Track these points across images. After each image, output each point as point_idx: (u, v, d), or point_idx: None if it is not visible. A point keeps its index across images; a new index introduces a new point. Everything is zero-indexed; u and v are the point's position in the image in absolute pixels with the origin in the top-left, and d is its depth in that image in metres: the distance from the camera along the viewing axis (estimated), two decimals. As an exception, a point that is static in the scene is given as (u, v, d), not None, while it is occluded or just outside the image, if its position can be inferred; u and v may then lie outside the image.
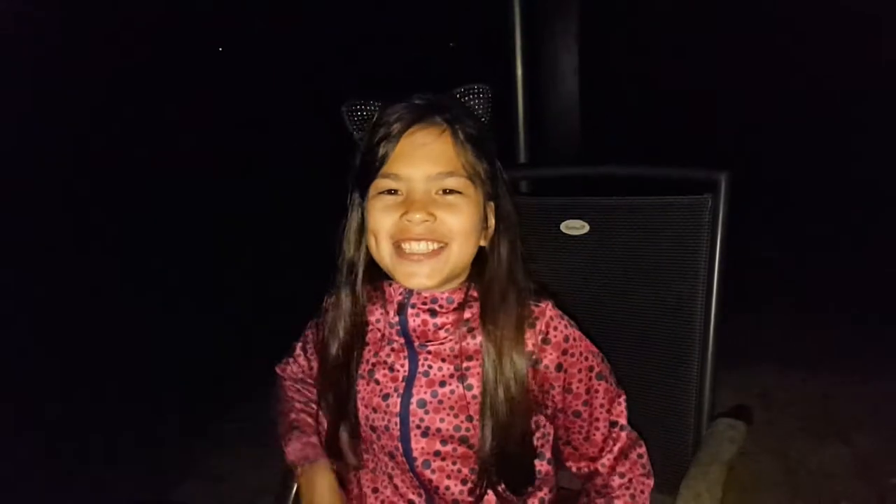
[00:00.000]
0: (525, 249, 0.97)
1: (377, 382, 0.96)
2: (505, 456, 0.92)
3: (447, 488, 0.95)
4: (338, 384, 0.98)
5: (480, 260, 0.95)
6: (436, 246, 0.89)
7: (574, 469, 1.01)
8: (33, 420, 2.84)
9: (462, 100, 0.93)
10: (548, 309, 0.95)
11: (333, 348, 0.98)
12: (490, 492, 0.96)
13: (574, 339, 0.95)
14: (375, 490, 1.01)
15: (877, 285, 3.57)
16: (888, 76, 5.37)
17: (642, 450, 0.99)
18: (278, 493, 1.14)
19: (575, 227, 1.30)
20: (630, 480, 0.97)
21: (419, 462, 0.95)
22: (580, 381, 0.95)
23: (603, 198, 1.29)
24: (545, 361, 0.93)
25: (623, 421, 0.99)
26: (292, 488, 1.10)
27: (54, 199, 5.08)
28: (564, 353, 0.93)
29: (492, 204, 0.95)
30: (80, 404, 2.99)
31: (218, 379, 3.26)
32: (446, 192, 0.89)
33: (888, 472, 2.22)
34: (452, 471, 0.94)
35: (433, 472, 0.95)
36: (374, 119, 0.91)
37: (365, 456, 1.01)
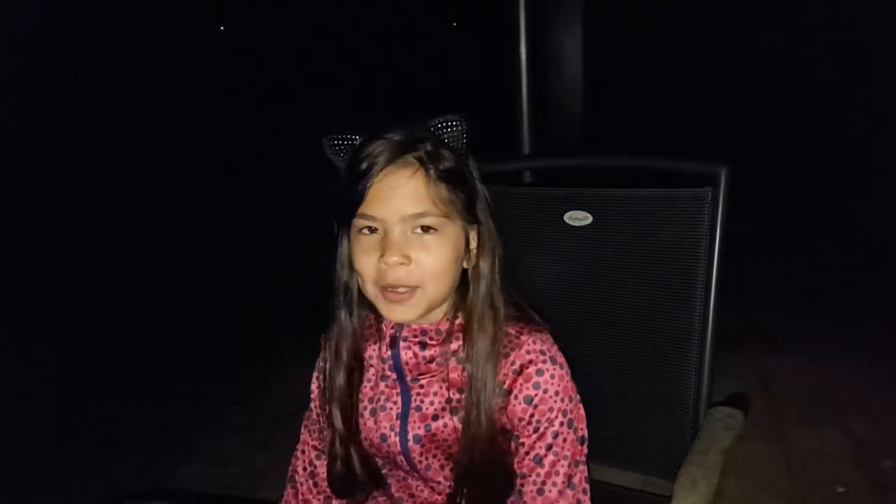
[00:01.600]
0: (505, 266, 0.97)
1: (376, 422, 0.99)
2: (478, 475, 0.93)
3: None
4: (345, 413, 0.99)
5: (466, 281, 0.97)
6: (410, 289, 0.91)
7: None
8: (38, 405, 2.87)
9: (438, 132, 0.93)
10: (528, 342, 0.94)
11: (339, 375, 1.00)
12: None
13: (550, 375, 0.92)
14: (412, 495, 1.03)
15: (877, 274, 3.60)
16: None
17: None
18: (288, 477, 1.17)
19: (578, 217, 1.32)
20: None
21: (443, 486, 0.98)
22: (549, 421, 0.92)
23: (606, 189, 1.31)
24: (515, 391, 0.92)
25: (584, 485, 0.93)
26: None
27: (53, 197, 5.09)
28: (535, 386, 0.92)
29: (474, 226, 0.96)
30: (86, 389, 3.03)
31: (224, 363, 3.30)
32: (424, 229, 0.91)
33: (883, 457, 2.26)
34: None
35: (450, 489, 0.98)
36: (353, 153, 0.93)
37: (385, 472, 1.04)
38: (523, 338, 0.94)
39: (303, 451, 1.09)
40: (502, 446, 0.94)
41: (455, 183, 0.92)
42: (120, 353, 3.38)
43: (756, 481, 2.21)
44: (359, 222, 0.92)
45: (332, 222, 0.98)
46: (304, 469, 1.08)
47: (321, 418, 1.05)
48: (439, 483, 0.98)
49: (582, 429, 0.94)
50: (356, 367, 1.00)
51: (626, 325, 1.27)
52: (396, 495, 1.04)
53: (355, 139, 0.94)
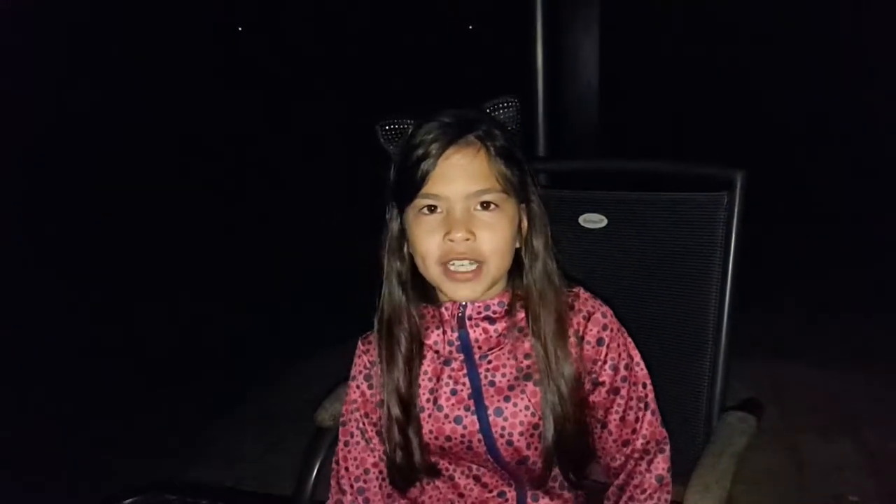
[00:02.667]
0: (553, 241, 1.02)
1: (440, 409, 0.99)
2: (566, 443, 0.97)
3: (539, 475, 1.00)
4: (403, 400, 1.00)
5: (518, 259, 1.01)
6: (476, 266, 0.94)
7: (607, 460, 1.02)
8: (49, 400, 2.90)
9: (494, 113, 0.98)
10: (581, 292, 1.01)
11: (398, 361, 1.00)
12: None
13: (610, 316, 1.00)
14: (461, 495, 1.04)
15: (890, 277, 3.56)
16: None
17: (669, 445, 1.02)
18: (298, 477, 1.18)
19: (593, 220, 1.33)
20: (662, 485, 0.98)
21: (513, 463, 0.99)
22: (619, 356, 0.99)
23: (622, 192, 1.31)
24: (587, 337, 0.98)
25: (653, 405, 1.02)
26: (313, 470, 1.13)
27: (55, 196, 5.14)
28: (604, 328, 0.99)
29: (524, 206, 1.00)
30: (97, 386, 3.05)
31: (237, 362, 3.31)
32: (485, 206, 0.94)
33: (896, 467, 2.24)
34: (543, 460, 0.99)
35: (527, 466, 0.99)
36: (409, 137, 0.95)
37: (442, 468, 1.04)
38: (576, 289, 1.01)
39: (346, 469, 1.05)
40: (583, 406, 0.98)
41: (511, 160, 0.96)
42: (133, 350, 3.41)
43: (768, 490, 2.20)
44: (421, 202, 0.94)
45: (383, 207, 1.00)
46: (352, 486, 1.05)
47: (368, 423, 1.04)
48: (518, 462, 0.99)
49: (636, 354, 1.02)
50: (415, 351, 1.01)
51: (640, 328, 1.25)
52: (462, 482, 1.04)
53: (409, 123, 0.97)
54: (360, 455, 1.05)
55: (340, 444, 1.07)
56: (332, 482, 1.07)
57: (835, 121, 5.72)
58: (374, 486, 1.04)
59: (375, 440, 1.04)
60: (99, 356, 3.32)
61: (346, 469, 1.05)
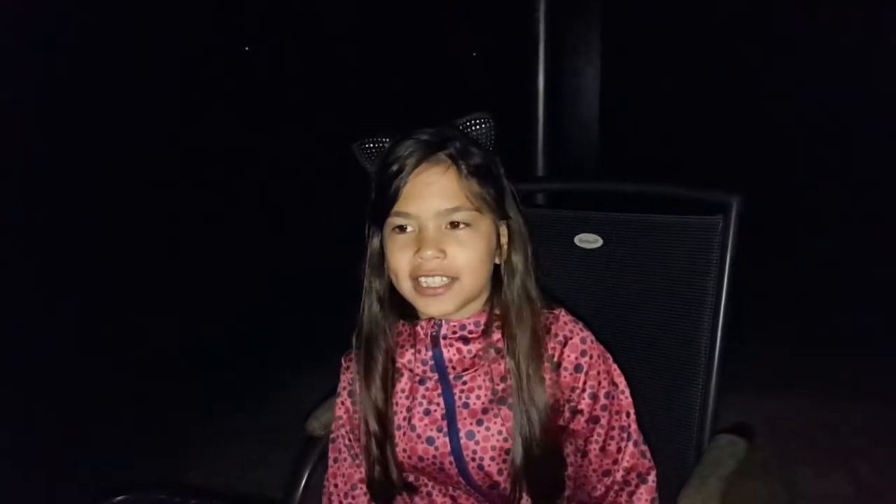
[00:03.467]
0: (538, 261, 1.01)
1: (413, 429, 0.98)
2: (535, 470, 0.95)
3: (511, 500, 0.98)
4: (380, 416, 0.99)
5: (498, 275, 1.00)
6: (448, 280, 0.93)
7: (587, 488, 1.01)
8: (39, 408, 2.88)
9: (466, 130, 0.97)
10: (561, 315, 0.99)
11: (374, 376, 0.99)
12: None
13: (590, 341, 0.98)
14: None
15: (885, 314, 3.56)
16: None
17: (655, 475, 1.00)
18: (287, 484, 1.17)
19: (589, 240, 1.33)
20: None
21: (484, 487, 0.98)
22: (599, 383, 0.97)
23: (617, 213, 1.32)
24: (564, 363, 0.96)
25: (636, 436, 1.00)
26: (302, 478, 1.13)
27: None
28: (583, 353, 0.96)
29: (503, 223, 0.99)
30: (91, 389, 3.04)
31: (228, 374, 3.30)
32: (455, 224, 0.93)
33: (889, 501, 2.22)
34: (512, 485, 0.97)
35: (498, 491, 0.98)
36: (384, 156, 0.96)
37: (420, 486, 1.03)
38: (556, 311, 1.00)
39: (335, 486, 1.06)
40: (556, 434, 0.97)
41: (485, 178, 0.95)
42: (128, 355, 3.40)
43: (760, 522, 2.19)
44: (393, 220, 0.95)
45: (363, 225, 1.01)
46: (341, 503, 1.05)
47: (353, 438, 1.05)
48: (489, 487, 0.97)
49: (622, 382, 1.00)
50: (390, 370, 1.00)
51: (633, 350, 1.27)
52: (440, 500, 1.03)
53: (385, 142, 0.97)
54: (348, 471, 1.05)
55: (330, 461, 1.07)
56: (324, 499, 1.07)
57: (837, 147, 5.75)
58: (362, 502, 1.04)
59: (361, 456, 1.04)
60: (94, 360, 3.31)
61: (336, 486, 1.06)
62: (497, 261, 0.99)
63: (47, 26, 5.45)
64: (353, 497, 1.05)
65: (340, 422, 1.06)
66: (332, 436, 1.08)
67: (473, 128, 0.97)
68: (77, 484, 2.29)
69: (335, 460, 1.06)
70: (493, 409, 0.96)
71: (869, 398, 2.83)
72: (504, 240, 0.99)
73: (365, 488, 1.04)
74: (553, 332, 0.97)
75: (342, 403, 1.06)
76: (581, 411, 0.97)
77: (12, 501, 2.09)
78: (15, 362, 3.09)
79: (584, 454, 0.98)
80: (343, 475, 1.05)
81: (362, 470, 1.04)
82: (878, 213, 4.79)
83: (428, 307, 0.95)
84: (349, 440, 1.05)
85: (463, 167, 0.94)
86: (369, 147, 0.99)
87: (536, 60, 2.63)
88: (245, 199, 6.25)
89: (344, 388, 1.06)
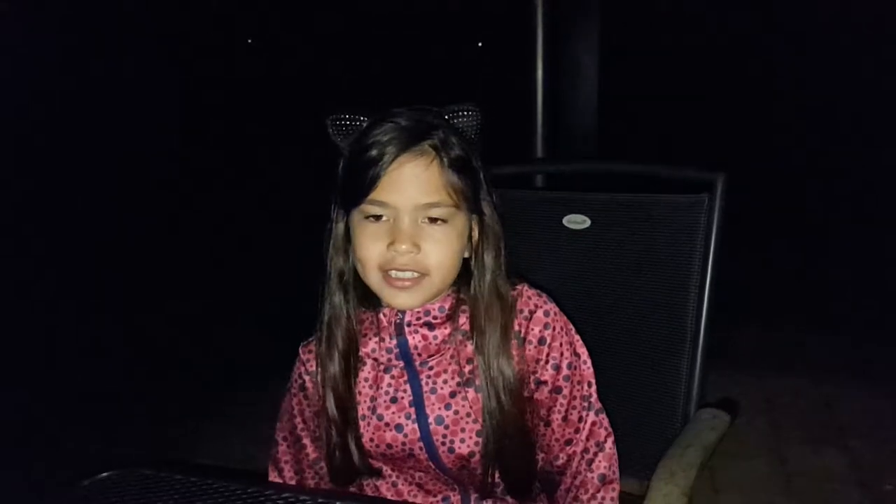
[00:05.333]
0: (508, 254, 0.98)
1: (380, 418, 0.97)
2: (506, 449, 0.95)
3: (481, 480, 0.98)
4: (340, 402, 0.97)
5: (467, 267, 0.98)
6: (418, 274, 0.91)
7: (549, 458, 1.01)
8: (40, 392, 2.92)
9: (451, 120, 0.94)
10: (524, 290, 0.99)
11: (334, 362, 0.97)
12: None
13: (554, 314, 0.98)
14: (405, 502, 1.02)
15: (884, 294, 3.57)
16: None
17: (612, 441, 1.01)
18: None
19: (577, 221, 1.34)
20: (605, 484, 0.98)
21: (454, 469, 0.97)
22: (562, 354, 0.97)
23: (605, 194, 1.33)
24: (529, 337, 0.96)
25: (597, 405, 1.00)
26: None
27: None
28: (546, 326, 0.97)
29: (476, 217, 0.96)
30: (89, 379, 3.07)
31: (230, 360, 3.33)
32: (433, 220, 0.91)
33: (884, 478, 2.24)
34: (483, 465, 0.97)
35: (469, 471, 0.97)
36: (361, 135, 0.92)
37: (385, 470, 1.02)
38: (519, 287, 0.98)
39: (286, 462, 1.06)
40: (524, 409, 0.97)
41: (465, 172, 0.92)
42: (126, 344, 3.43)
43: (756, 499, 2.21)
44: (367, 208, 0.90)
45: (329, 205, 0.97)
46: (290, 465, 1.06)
47: (307, 427, 1.04)
48: (460, 468, 0.97)
49: (583, 352, 1.00)
50: (352, 354, 0.98)
51: (620, 328, 1.29)
52: (405, 489, 1.02)
53: (362, 120, 0.93)
54: (297, 455, 1.05)
55: (279, 445, 1.07)
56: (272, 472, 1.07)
57: (839, 130, 5.74)
58: (309, 478, 1.05)
59: (310, 447, 1.04)
60: (93, 350, 3.34)
61: (286, 462, 1.06)
62: (466, 254, 0.97)
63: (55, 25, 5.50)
64: (303, 473, 1.05)
65: (292, 413, 1.05)
66: (280, 432, 1.07)
67: (459, 117, 0.94)
68: (72, 471, 2.31)
69: (284, 448, 1.06)
70: (460, 391, 0.95)
71: (864, 378, 2.86)
72: (475, 234, 0.97)
73: (312, 473, 1.04)
74: (518, 307, 0.97)
75: (293, 395, 1.04)
76: (545, 382, 0.97)
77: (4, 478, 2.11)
78: (15, 353, 3.13)
79: (548, 423, 0.99)
80: (293, 458, 1.05)
81: (310, 454, 1.04)
82: (879, 198, 4.79)
83: (394, 299, 0.93)
84: (302, 428, 1.04)
85: (445, 159, 0.90)
86: (344, 123, 0.94)
87: (535, 45, 2.66)
88: (248, 187, 6.28)
89: (296, 381, 1.05)
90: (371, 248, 0.91)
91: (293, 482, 1.05)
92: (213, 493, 0.82)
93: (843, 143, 5.60)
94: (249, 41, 11.36)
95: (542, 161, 2.32)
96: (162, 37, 7.23)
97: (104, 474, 0.87)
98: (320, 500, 0.81)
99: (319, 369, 0.99)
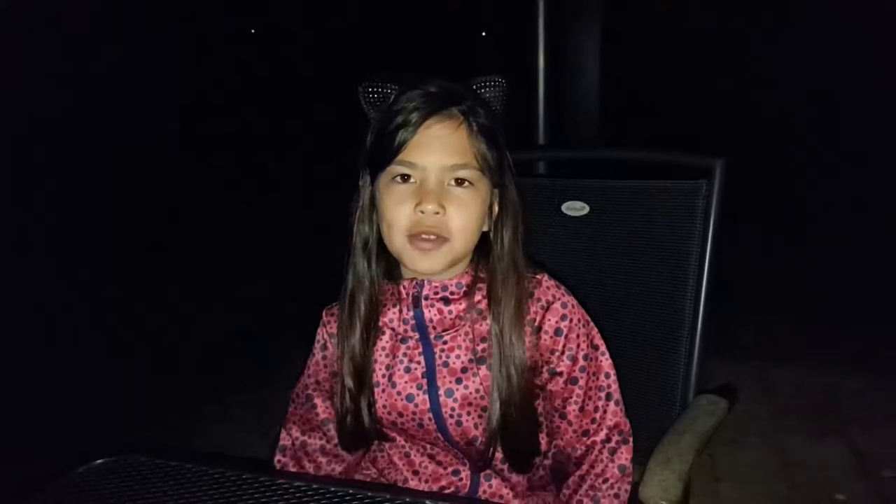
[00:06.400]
0: (526, 230, 1.00)
1: (394, 386, 0.98)
2: (510, 427, 0.95)
3: (483, 456, 0.99)
4: (357, 367, 0.99)
5: (484, 241, 0.99)
6: (439, 238, 0.93)
7: (567, 449, 1.01)
8: (41, 384, 2.93)
9: (478, 90, 0.96)
10: (544, 279, 1.00)
11: (355, 329, 0.99)
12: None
13: (572, 306, 0.99)
14: (416, 472, 1.03)
15: (885, 283, 3.57)
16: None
17: (632, 438, 1.01)
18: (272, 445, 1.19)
19: (575, 207, 1.34)
20: (624, 475, 0.98)
21: (462, 443, 0.98)
22: (578, 346, 0.98)
23: (602, 180, 1.33)
24: (545, 327, 0.97)
25: (617, 396, 1.01)
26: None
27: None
28: (563, 318, 0.98)
29: (496, 191, 0.98)
30: (91, 371, 3.07)
31: (229, 352, 3.33)
32: (460, 182, 0.92)
33: (884, 467, 2.24)
34: (486, 442, 0.98)
35: (476, 447, 0.98)
36: (391, 103, 0.94)
37: (398, 440, 1.03)
38: (538, 276, 1.00)
39: (288, 430, 1.07)
40: (532, 394, 0.98)
41: (492, 140, 0.94)
42: (128, 336, 3.44)
43: (755, 488, 2.21)
44: (395, 169, 0.92)
45: (357, 172, 0.98)
46: (293, 444, 1.07)
47: (321, 388, 1.05)
48: (467, 443, 0.98)
49: (602, 345, 1.01)
50: (372, 321, 1.00)
51: (620, 313, 1.29)
52: (417, 459, 1.03)
53: (393, 88, 0.95)
54: (306, 416, 1.06)
55: (291, 407, 1.08)
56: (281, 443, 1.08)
57: (839, 122, 5.72)
58: (314, 444, 1.06)
59: (320, 406, 1.05)
60: (93, 342, 3.34)
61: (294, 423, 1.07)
62: (485, 228, 0.98)
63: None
64: (306, 444, 1.05)
65: (310, 371, 1.07)
66: (295, 391, 1.08)
67: (486, 88, 0.96)
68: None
69: (295, 406, 1.08)
70: (472, 368, 0.96)
71: (864, 367, 2.85)
72: (495, 207, 0.98)
73: (320, 435, 1.05)
74: (536, 296, 0.98)
75: (317, 352, 1.06)
76: (560, 373, 0.98)
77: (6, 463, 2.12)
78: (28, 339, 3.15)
79: (563, 415, 0.99)
80: (296, 422, 1.07)
81: (319, 415, 1.05)
82: (883, 188, 4.77)
83: (415, 262, 0.94)
84: (314, 388, 1.06)
85: (474, 125, 0.93)
86: (375, 91, 0.96)
87: (537, 35, 2.64)
88: (248, 182, 6.29)
89: (318, 341, 1.07)
90: (398, 210, 0.92)
91: (298, 442, 1.06)
92: (209, 480, 0.82)
93: (845, 134, 5.59)
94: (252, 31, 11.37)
95: (542, 148, 2.30)
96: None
97: (100, 461, 0.87)
98: (315, 486, 0.81)
99: (340, 334, 1.01)
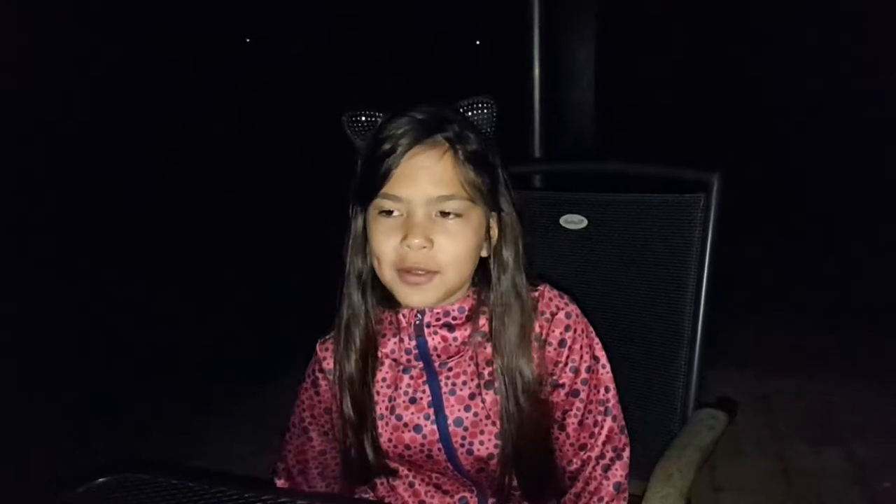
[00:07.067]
0: (529, 256, 0.97)
1: (399, 418, 0.96)
2: (524, 452, 0.94)
3: (499, 483, 0.97)
4: (357, 401, 0.96)
5: (485, 265, 0.97)
6: (431, 271, 0.90)
7: (563, 462, 1.00)
8: (42, 396, 2.92)
9: (466, 113, 0.93)
10: (546, 291, 0.98)
11: (351, 361, 0.96)
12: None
13: (576, 315, 0.97)
14: (422, 502, 1.02)
15: (884, 291, 3.58)
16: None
17: (629, 450, 1.00)
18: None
19: (574, 221, 1.34)
20: (619, 493, 0.97)
21: (472, 471, 0.97)
22: (581, 357, 0.96)
23: (601, 193, 1.33)
24: (549, 339, 0.95)
25: (615, 411, 0.99)
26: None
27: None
28: (567, 328, 0.96)
29: (494, 214, 0.95)
30: (88, 380, 3.07)
31: (229, 363, 3.33)
32: (446, 214, 0.89)
33: (883, 477, 2.24)
34: (501, 468, 0.97)
35: (487, 473, 0.96)
36: (376, 132, 0.91)
37: (402, 471, 1.01)
38: (540, 288, 0.98)
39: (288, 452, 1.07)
40: (543, 412, 0.96)
41: (481, 166, 0.91)
42: (127, 345, 3.43)
43: (754, 497, 2.22)
44: (381, 202, 0.89)
45: (347, 203, 0.96)
46: (289, 471, 1.07)
47: (316, 422, 1.05)
48: (478, 471, 0.96)
49: (602, 356, 0.99)
50: (370, 353, 0.97)
51: (617, 327, 1.28)
52: (423, 489, 1.01)
53: (378, 117, 0.92)
54: (302, 446, 1.06)
55: (287, 437, 1.08)
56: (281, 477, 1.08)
57: (836, 129, 5.74)
58: (313, 474, 1.06)
59: (316, 439, 1.05)
60: (92, 351, 3.34)
61: (289, 452, 1.07)
62: (484, 253, 0.95)
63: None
64: (306, 472, 1.05)
65: (302, 406, 1.05)
66: (292, 420, 1.07)
67: (474, 111, 0.92)
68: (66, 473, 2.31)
69: (291, 435, 1.07)
70: (480, 393, 0.94)
71: (863, 376, 2.86)
72: (494, 232, 0.95)
73: (317, 463, 1.05)
74: (539, 309, 0.96)
75: (305, 390, 1.05)
76: (562, 385, 0.96)
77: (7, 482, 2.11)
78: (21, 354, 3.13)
79: (562, 427, 0.98)
80: (297, 448, 1.06)
81: (316, 449, 1.05)
82: (880, 196, 4.79)
83: (409, 297, 0.91)
84: (310, 422, 1.05)
85: (460, 152, 0.89)
86: (360, 120, 0.93)
87: (532, 45, 2.65)
88: (251, 188, 6.29)
89: (308, 376, 1.05)
90: (385, 244, 0.90)
91: (294, 470, 1.06)
92: (210, 498, 0.82)
93: (845, 140, 5.61)
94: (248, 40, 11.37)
95: (539, 161, 2.31)
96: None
97: (99, 480, 0.86)
98: (316, 504, 0.81)
99: (336, 368, 0.98)
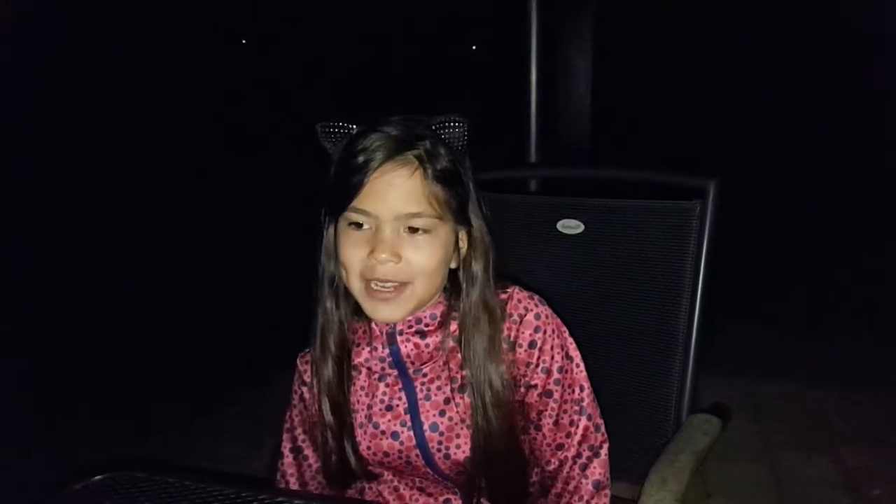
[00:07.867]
0: (512, 249, 1.01)
1: (376, 426, 0.97)
2: (496, 454, 0.95)
3: (476, 485, 0.98)
4: (336, 406, 0.98)
5: (455, 277, 0.98)
6: (399, 284, 0.91)
7: (541, 463, 1.01)
8: (37, 397, 2.90)
9: (439, 131, 0.93)
10: (514, 292, 0.98)
11: (327, 368, 0.98)
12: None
13: (545, 317, 0.97)
14: None
15: (876, 300, 3.60)
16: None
17: (608, 447, 1.01)
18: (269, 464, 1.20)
19: (571, 226, 1.35)
20: (599, 491, 0.98)
21: (452, 474, 0.98)
22: (552, 358, 0.97)
23: (598, 199, 1.34)
24: (519, 340, 0.96)
25: (590, 410, 1.00)
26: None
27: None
28: (536, 329, 0.96)
29: (464, 229, 0.96)
30: (83, 379, 3.07)
31: (224, 365, 3.32)
32: (414, 230, 0.90)
33: (873, 485, 2.25)
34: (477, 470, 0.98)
35: (468, 476, 0.98)
36: (348, 144, 0.91)
37: (385, 475, 1.03)
38: (509, 290, 0.98)
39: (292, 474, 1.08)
40: (514, 414, 0.97)
41: (451, 184, 0.92)
42: (122, 345, 3.42)
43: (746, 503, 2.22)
44: (350, 216, 0.90)
45: (320, 210, 0.97)
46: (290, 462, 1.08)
47: (308, 435, 1.06)
48: (457, 473, 0.97)
49: (576, 355, 1.00)
50: (345, 360, 0.98)
51: (613, 333, 1.30)
52: (407, 493, 1.03)
53: (352, 128, 0.93)
54: (299, 468, 1.07)
55: (280, 460, 1.08)
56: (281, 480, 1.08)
57: (827, 139, 5.77)
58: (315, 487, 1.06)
59: (311, 457, 1.06)
60: (89, 350, 3.33)
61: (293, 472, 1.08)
62: (454, 265, 0.97)
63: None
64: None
65: (293, 424, 1.06)
66: (283, 444, 1.08)
67: (447, 129, 0.93)
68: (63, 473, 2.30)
69: (284, 463, 1.07)
70: (454, 397, 0.95)
71: (855, 384, 2.87)
72: (463, 245, 0.96)
73: (316, 484, 1.06)
74: (508, 311, 0.96)
75: (294, 407, 1.06)
76: (535, 385, 0.97)
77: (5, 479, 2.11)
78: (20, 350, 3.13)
79: (538, 428, 0.99)
80: (296, 468, 1.07)
81: (313, 469, 1.06)
82: (875, 203, 4.81)
83: (376, 312, 0.92)
84: (303, 439, 1.06)
85: (430, 170, 0.90)
86: (334, 130, 0.94)
87: (529, 50, 2.66)
88: (246, 192, 6.28)
89: (295, 392, 1.06)
90: (352, 256, 0.91)
91: (293, 467, 1.07)
92: (207, 497, 0.82)
93: (841, 145, 5.62)
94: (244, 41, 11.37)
95: (535, 166, 2.32)
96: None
97: (97, 477, 0.86)
98: (314, 504, 0.81)
99: (314, 374, 0.99)
